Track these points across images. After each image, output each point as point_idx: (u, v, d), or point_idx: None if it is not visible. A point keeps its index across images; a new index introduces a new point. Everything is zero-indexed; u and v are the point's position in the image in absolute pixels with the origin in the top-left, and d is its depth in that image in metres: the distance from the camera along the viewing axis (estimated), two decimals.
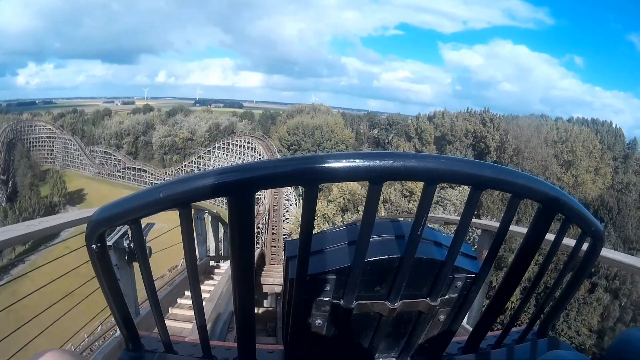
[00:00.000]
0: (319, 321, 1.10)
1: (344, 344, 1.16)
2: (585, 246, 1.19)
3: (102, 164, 77.06)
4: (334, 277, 1.02)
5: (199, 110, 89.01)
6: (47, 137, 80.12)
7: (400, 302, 1.09)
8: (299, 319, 1.08)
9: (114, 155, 76.96)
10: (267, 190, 49.37)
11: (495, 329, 1.37)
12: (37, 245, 51.62)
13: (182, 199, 0.82)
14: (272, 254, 50.54)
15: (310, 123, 64.75)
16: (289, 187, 50.53)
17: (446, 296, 1.12)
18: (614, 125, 63.55)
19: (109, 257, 0.88)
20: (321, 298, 1.05)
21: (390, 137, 72.14)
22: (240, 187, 0.80)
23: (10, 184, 64.87)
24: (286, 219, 53.14)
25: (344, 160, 0.82)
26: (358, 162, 0.82)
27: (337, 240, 1.08)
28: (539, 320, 1.38)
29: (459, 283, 1.11)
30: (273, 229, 52.04)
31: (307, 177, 0.82)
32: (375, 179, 0.84)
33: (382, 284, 1.06)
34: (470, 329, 1.33)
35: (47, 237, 52.60)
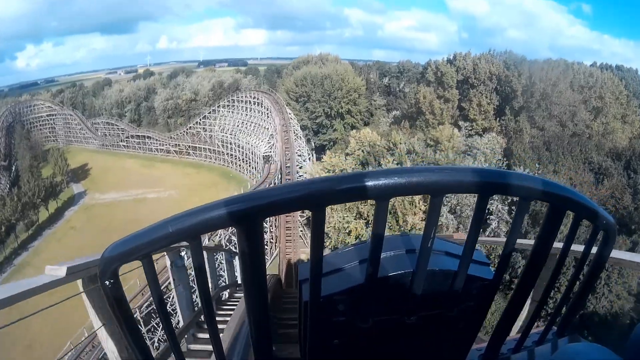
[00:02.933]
0: (336, 341, 1.10)
1: (363, 358, 1.16)
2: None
3: (106, 135, 75.62)
4: (347, 296, 1.02)
5: (202, 71, 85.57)
6: (47, 115, 78.54)
7: (416, 315, 1.09)
8: (316, 341, 1.09)
9: (116, 125, 75.52)
10: (278, 145, 44.07)
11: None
12: (39, 229, 52.58)
13: (191, 232, 0.83)
14: (286, 215, 47.17)
15: (319, 73, 60.74)
16: (300, 140, 43.80)
17: (462, 305, 1.12)
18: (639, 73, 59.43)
19: (123, 293, 0.86)
20: (336, 318, 1.05)
21: (401, 85, 68.86)
22: (246, 217, 0.82)
23: (13, 168, 63.64)
24: (300, 175, 49.72)
25: (349, 182, 0.85)
26: (363, 183, 0.85)
27: (348, 260, 1.07)
28: (558, 320, 1.35)
29: (474, 291, 1.10)
30: None
31: (314, 201, 0.84)
32: (381, 197, 0.86)
33: (396, 299, 1.07)
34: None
35: (50, 218, 54.91)
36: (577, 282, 1.27)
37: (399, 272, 1.02)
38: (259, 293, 0.93)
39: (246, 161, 57.94)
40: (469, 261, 1.03)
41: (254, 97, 61.02)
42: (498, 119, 54.36)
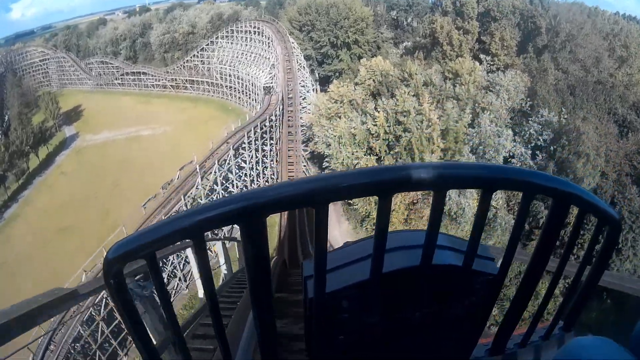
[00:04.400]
0: (341, 337, 1.11)
1: (369, 357, 1.17)
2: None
3: (100, 74, 73.50)
4: (352, 292, 1.03)
5: (201, 5, 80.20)
6: (40, 61, 76.44)
7: (422, 310, 1.10)
8: (321, 337, 1.10)
9: (111, 64, 73.21)
10: (280, 75, 44.52)
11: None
12: (30, 177, 50.67)
13: (195, 230, 0.83)
14: (288, 149, 44.05)
15: (325, 1, 56.00)
16: (304, 70, 36.89)
17: (467, 300, 1.13)
18: None
19: (128, 291, 0.87)
20: (342, 314, 1.06)
21: (410, 19, 64.40)
22: (249, 214, 0.83)
23: (6, 118, 62.54)
24: (303, 107, 46.12)
25: (352, 178, 0.86)
26: (365, 179, 0.86)
27: (352, 256, 1.08)
28: (564, 315, 1.37)
29: (479, 286, 1.12)
30: (289, 120, 45.53)
31: (316, 198, 0.85)
32: (384, 192, 0.88)
33: (401, 295, 1.08)
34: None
35: (41, 165, 52.25)
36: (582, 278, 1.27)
37: (404, 267, 1.02)
38: (263, 291, 0.93)
39: (246, 93, 54.77)
40: (474, 256, 1.03)
41: (255, 27, 56.87)
42: (520, 56, 50.58)
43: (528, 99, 39.34)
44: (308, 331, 1.13)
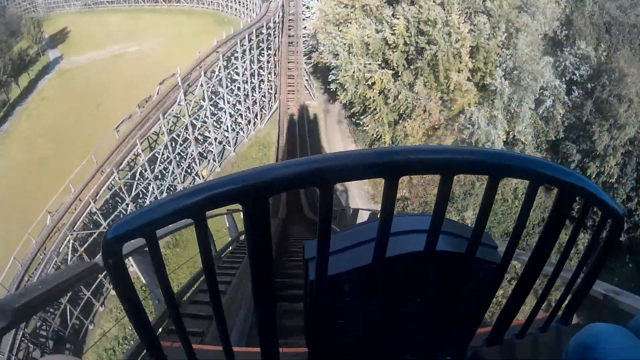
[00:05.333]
0: (342, 322, 1.12)
1: (369, 343, 1.19)
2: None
3: None
4: (355, 276, 1.03)
5: None
6: None
7: (423, 297, 1.12)
8: (322, 321, 1.11)
9: None
10: None
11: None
12: (11, 108, 46.68)
13: (196, 209, 0.82)
14: (289, 61, 38.08)
15: None
16: None
17: (469, 288, 1.15)
18: None
19: (126, 270, 0.86)
20: (343, 298, 1.07)
21: None
22: (253, 193, 0.82)
23: None
24: (307, 17, 39.69)
25: (358, 159, 0.85)
26: (372, 160, 0.85)
27: (356, 239, 1.07)
28: (562, 307, 1.39)
29: (482, 274, 1.13)
30: (290, 29, 39.50)
31: (322, 178, 0.84)
32: (391, 175, 0.87)
33: (404, 280, 1.09)
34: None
35: (23, 93, 51.91)
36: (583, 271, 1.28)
37: (408, 251, 1.02)
38: (265, 271, 0.93)
39: (243, 4, 48.48)
40: (478, 244, 1.04)
41: None
42: None
43: (563, 27, 34.93)
44: (307, 314, 1.12)
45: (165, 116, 27.54)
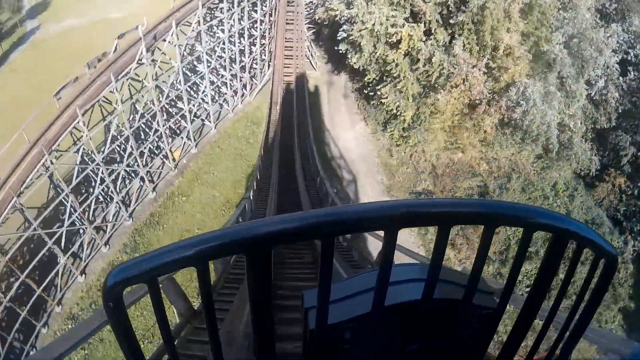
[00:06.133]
0: None
1: None
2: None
3: None
4: (354, 324, 1.06)
5: None
6: None
7: (421, 343, 1.15)
8: None
9: None
10: None
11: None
12: None
13: (199, 258, 0.84)
14: (287, 22, 31.43)
15: None
16: None
17: (467, 333, 1.19)
18: None
19: (126, 315, 0.88)
20: (343, 346, 1.09)
21: None
22: (256, 245, 0.85)
23: None
24: None
25: (359, 213, 0.88)
26: (373, 214, 0.89)
27: (355, 288, 1.11)
28: (558, 349, 1.39)
29: (479, 319, 1.17)
30: None
31: (323, 231, 0.87)
32: (390, 227, 0.91)
33: (403, 327, 1.12)
34: None
35: None
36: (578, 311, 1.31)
37: (406, 300, 1.06)
38: (265, 321, 0.97)
39: None
40: (474, 290, 1.07)
41: None
42: None
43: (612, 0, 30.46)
44: None
45: (118, 77, 20.83)
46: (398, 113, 25.42)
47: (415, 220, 0.93)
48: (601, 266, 1.17)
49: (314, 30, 32.75)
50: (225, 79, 27.57)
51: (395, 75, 24.40)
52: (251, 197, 15.19)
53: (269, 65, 30.99)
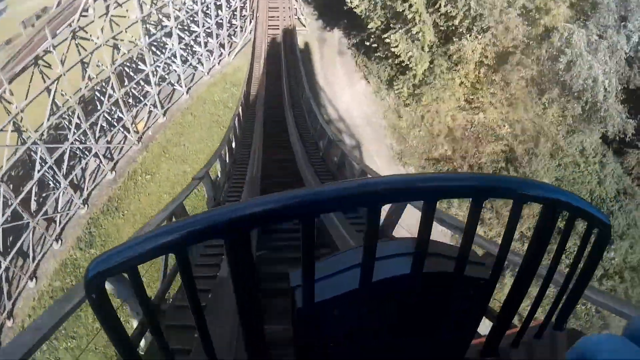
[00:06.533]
0: (332, 346, 1.14)
1: None
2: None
3: None
4: (343, 301, 1.05)
5: None
6: None
7: (414, 316, 1.15)
8: (312, 347, 1.12)
9: None
10: None
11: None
12: None
13: (178, 245, 0.85)
14: None
15: None
16: None
17: (460, 305, 1.19)
18: None
19: (110, 304, 0.88)
20: (332, 323, 1.08)
21: None
22: (232, 228, 0.85)
23: None
24: None
25: (340, 191, 0.89)
26: (353, 191, 0.89)
27: (341, 265, 1.09)
28: (555, 314, 1.43)
29: (472, 291, 1.18)
30: None
31: (303, 211, 0.87)
32: (373, 203, 0.91)
33: (393, 302, 1.12)
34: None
35: None
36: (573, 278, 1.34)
37: (394, 274, 1.05)
38: (251, 304, 0.97)
39: None
40: (465, 262, 1.07)
41: None
42: None
43: None
44: (297, 341, 1.12)
45: (57, 34, 16.34)
46: (411, 65, 21.03)
47: (400, 196, 0.96)
48: (594, 235, 1.17)
49: None
50: (198, 35, 22.98)
51: (409, 17, 19.85)
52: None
53: (250, 20, 26.35)
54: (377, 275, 1.01)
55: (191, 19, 22.77)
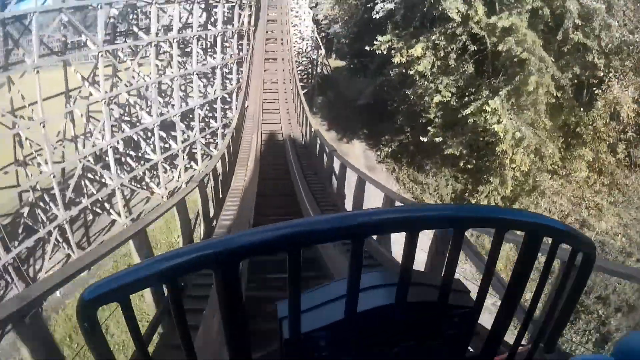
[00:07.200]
0: None
1: None
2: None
3: None
4: (328, 332, 1.03)
5: None
6: None
7: (400, 346, 1.13)
8: None
9: None
10: None
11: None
12: None
13: (168, 275, 0.85)
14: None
15: None
16: None
17: (446, 332, 1.17)
18: None
19: (101, 332, 0.86)
20: (319, 354, 1.06)
21: None
22: (222, 261, 0.85)
23: None
24: None
25: (324, 224, 0.90)
26: (338, 224, 0.90)
27: (327, 296, 1.08)
28: (544, 338, 1.37)
29: (456, 319, 1.16)
30: None
31: (289, 244, 0.87)
32: (357, 236, 0.91)
33: (379, 332, 1.10)
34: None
35: None
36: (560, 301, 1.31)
37: (379, 304, 1.04)
38: (239, 332, 0.95)
39: None
40: (449, 291, 1.06)
41: None
42: None
43: None
44: None
45: None
46: (508, 159, 12.87)
47: (382, 228, 0.97)
48: (579, 259, 1.19)
49: (305, 91, 22.49)
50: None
51: (507, 70, 12.07)
52: None
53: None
54: (362, 306, 0.99)
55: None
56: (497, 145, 13.29)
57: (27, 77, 14.42)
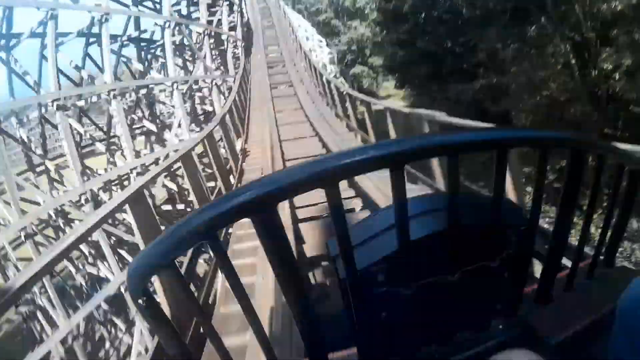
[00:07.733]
0: (384, 314, 1.10)
1: (415, 329, 1.14)
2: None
3: None
4: (384, 265, 1.03)
5: None
6: None
7: (459, 272, 1.11)
8: (363, 318, 1.07)
9: None
10: None
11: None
12: None
13: (206, 230, 0.82)
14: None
15: None
16: None
17: (504, 254, 1.15)
18: None
19: (160, 308, 0.90)
20: (379, 289, 1.05)
21: None
22: (258, 206, 0.82)
23: None
24: None
25: (362, 153, 0.87)
26: (377, 152, 0.87)
27: (375, 228, 1.06)
28: (602, 252, 1.45)
29: (513, 238, 1.16)
30: None
31: (327, 179, 0.85)
32: (397, 164, 0.89)
33: (435, 259, 1.08)
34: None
35: None
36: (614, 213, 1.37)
37: (432, 231, 1.03)
38: (295, 284, 0.92)
39: None
40: (500, 210, 1.06)
41: None
42: None
43: None
44: (349, 312, 1.06)
45: None
46: None
47: (424, 153, 0.95)
48: (627, 173, 1.20)
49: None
50: None
51: None
52: None
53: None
54: (415, 234, 0.97)
55: None
56: None
57: None
